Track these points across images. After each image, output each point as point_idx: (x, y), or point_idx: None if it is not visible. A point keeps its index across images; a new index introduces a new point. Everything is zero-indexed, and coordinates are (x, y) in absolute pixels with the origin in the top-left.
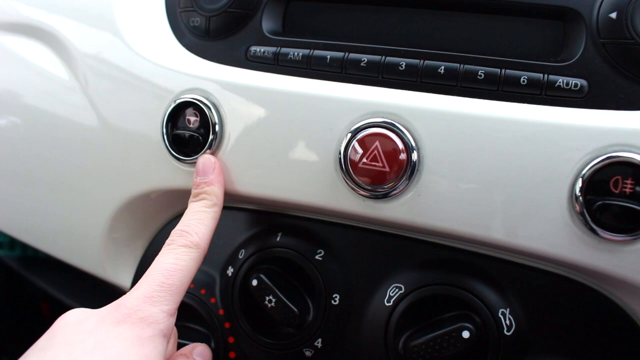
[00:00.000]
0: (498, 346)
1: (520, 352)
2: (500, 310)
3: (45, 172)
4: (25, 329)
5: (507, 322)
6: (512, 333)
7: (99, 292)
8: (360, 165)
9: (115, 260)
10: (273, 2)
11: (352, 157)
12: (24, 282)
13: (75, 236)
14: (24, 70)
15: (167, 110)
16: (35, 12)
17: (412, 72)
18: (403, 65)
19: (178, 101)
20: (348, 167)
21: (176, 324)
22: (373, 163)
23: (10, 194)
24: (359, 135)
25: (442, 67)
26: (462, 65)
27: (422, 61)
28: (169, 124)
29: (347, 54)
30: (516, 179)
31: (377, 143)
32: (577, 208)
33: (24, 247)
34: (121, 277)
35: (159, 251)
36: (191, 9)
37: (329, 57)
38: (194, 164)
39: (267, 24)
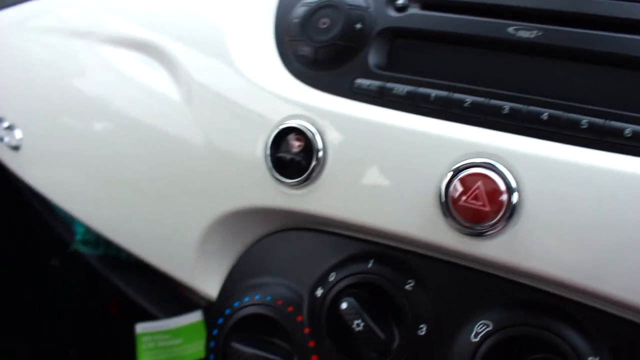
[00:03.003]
0: None
1: None
2: (590, 359)
3: (148, 181)
4: (92, 326)
5: None
6: None
7: (172, 298)
8: (460, 203)
9: (205, 270)
10: (380, 38)
11: (453, 195)
12: (98, 280)
13: (170, 244)
14: (136, 84)
15: (271, 134)
16: (149, 29)
17: (515, 116)
18: (507, 109)
19: (283, 126)
20: (448, 204)
21: (260, 338)
22: (473, 202)
23: (112, 199)
24: (461, 174)
25: (546, 114)
26: (565, 113)
27: (526, 106)
28: (273, 147)
29: (451, 93)
30: (615, 228)
31: (479, 183)
32: None
33: (107, 246)
34: (209, 287)
35: (247, 266)
36: (300, 39)
37: (433, 94)
38: (293, 186)
39: (373, 59)
